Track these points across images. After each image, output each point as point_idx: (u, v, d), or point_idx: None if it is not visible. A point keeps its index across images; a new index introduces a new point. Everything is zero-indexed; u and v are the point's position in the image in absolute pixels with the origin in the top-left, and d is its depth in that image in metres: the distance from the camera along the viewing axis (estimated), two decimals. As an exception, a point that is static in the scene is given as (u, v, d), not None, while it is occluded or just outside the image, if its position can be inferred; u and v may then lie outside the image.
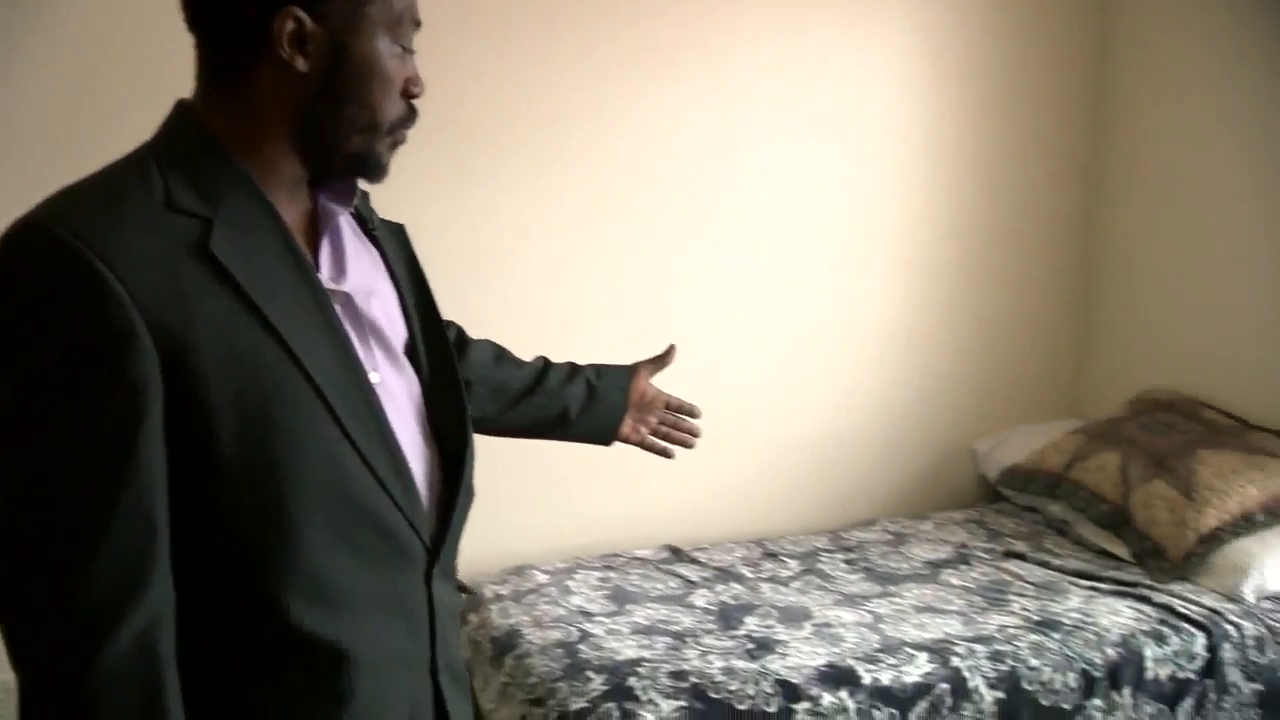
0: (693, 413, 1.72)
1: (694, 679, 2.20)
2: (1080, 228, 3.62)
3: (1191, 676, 2.45)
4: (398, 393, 1.18)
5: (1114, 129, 3.52)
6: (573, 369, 1.63)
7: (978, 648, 2.36)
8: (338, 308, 1.12)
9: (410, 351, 1.24)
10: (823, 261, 3.32)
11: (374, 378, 1.13)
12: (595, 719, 2.10)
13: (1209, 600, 2.61)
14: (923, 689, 2.24)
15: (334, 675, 1.07)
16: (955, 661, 2.31)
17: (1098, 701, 2.36)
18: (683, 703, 2.14)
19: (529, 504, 3.06)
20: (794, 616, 2.57)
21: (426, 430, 1.22)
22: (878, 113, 3.32)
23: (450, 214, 2.87)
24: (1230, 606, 2.59)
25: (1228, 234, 3.17)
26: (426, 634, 1.18)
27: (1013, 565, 2.88)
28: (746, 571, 2.87)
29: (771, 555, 2.99)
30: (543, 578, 2.81)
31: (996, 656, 2.34)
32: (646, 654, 2.33)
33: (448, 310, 1.35)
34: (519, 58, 2.91)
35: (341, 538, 1.07)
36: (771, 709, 2.15)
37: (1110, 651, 2.40)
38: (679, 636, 2.44)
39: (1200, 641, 2.48)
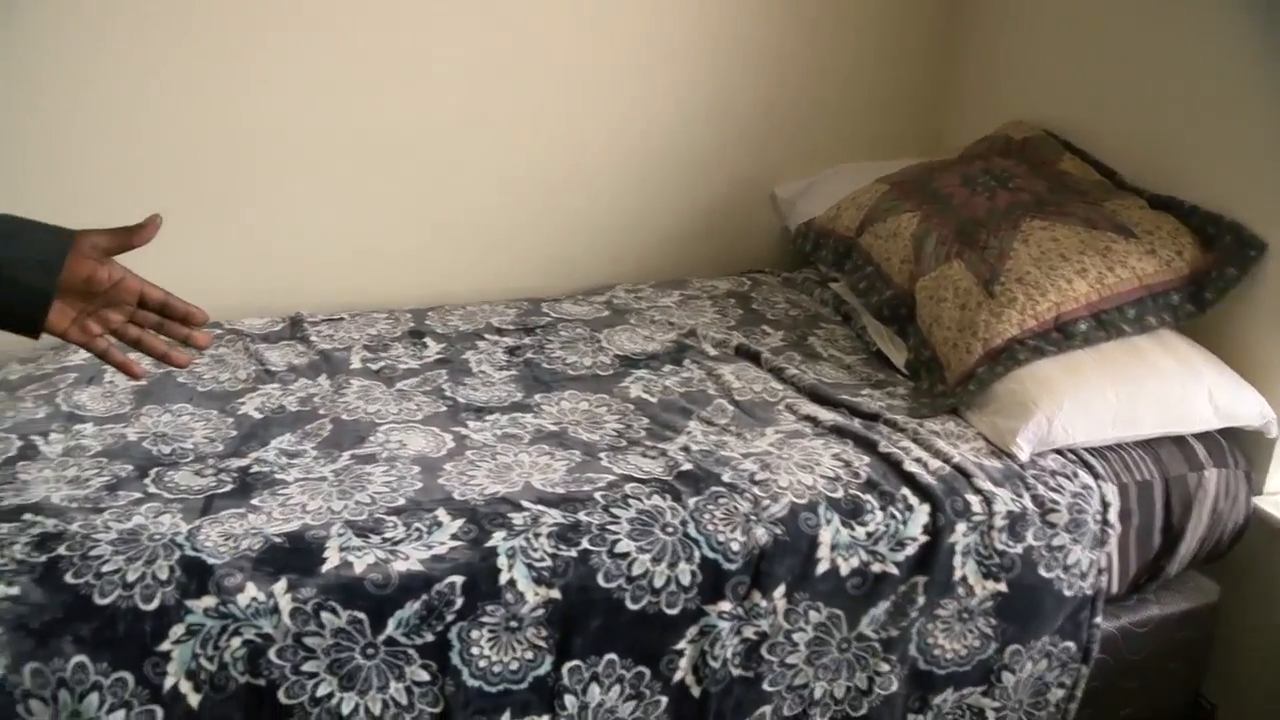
0: (190, 318, 1.21)
1: (62, 549, 1.43)
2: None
3: (893, 570, 1.61)
4: None
5: None
6: None
7: (549, 515, 1.54)
8: None
9: None
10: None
11: None
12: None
13: (966, 452, 1.73)
14: (416, 583, 1.44)
15: None
16: (496, 538, 1.50)
17: (725, 606, 1.55)
18: (14, 590, 1.38)
19: (137, 255, 2.26)
20: (340, 439, 1.77)
21: None
22: None
23: None
24: (991, 465, 1.71)
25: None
26: None
27: (733, 371, 2.01)
28: (358, 358, 2.06)
29: (418, 334, 2.16)
30: (84, 357, 2.03)
31: (571, 533, 1.52)
32: (57, 496, 1.57)
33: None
34: None
35: None
36: (149, 605, 1.38)
37: (764, 532, 1.57)
38: (147, 467, 1.67)
39: (920, 519, 1.63)
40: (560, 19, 2.34)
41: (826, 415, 1.83)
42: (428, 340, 2.13)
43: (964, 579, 1.64)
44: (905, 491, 1.64)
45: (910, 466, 1.67)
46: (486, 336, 2.15)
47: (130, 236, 1.16)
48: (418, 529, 1.51)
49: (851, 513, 1.61)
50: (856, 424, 1.80)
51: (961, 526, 1.63)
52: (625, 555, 1.52)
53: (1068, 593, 1.69)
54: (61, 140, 2.10)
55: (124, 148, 2.14)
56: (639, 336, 2.15)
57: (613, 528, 1.54)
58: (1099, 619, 1.72)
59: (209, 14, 2.12)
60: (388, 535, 1.49)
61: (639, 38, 2.40)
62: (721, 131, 2.52)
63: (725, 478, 1.64)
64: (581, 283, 2.45)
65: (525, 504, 1.56)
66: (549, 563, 1.49)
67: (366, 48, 2.23)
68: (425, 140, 2.33)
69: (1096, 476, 1.71)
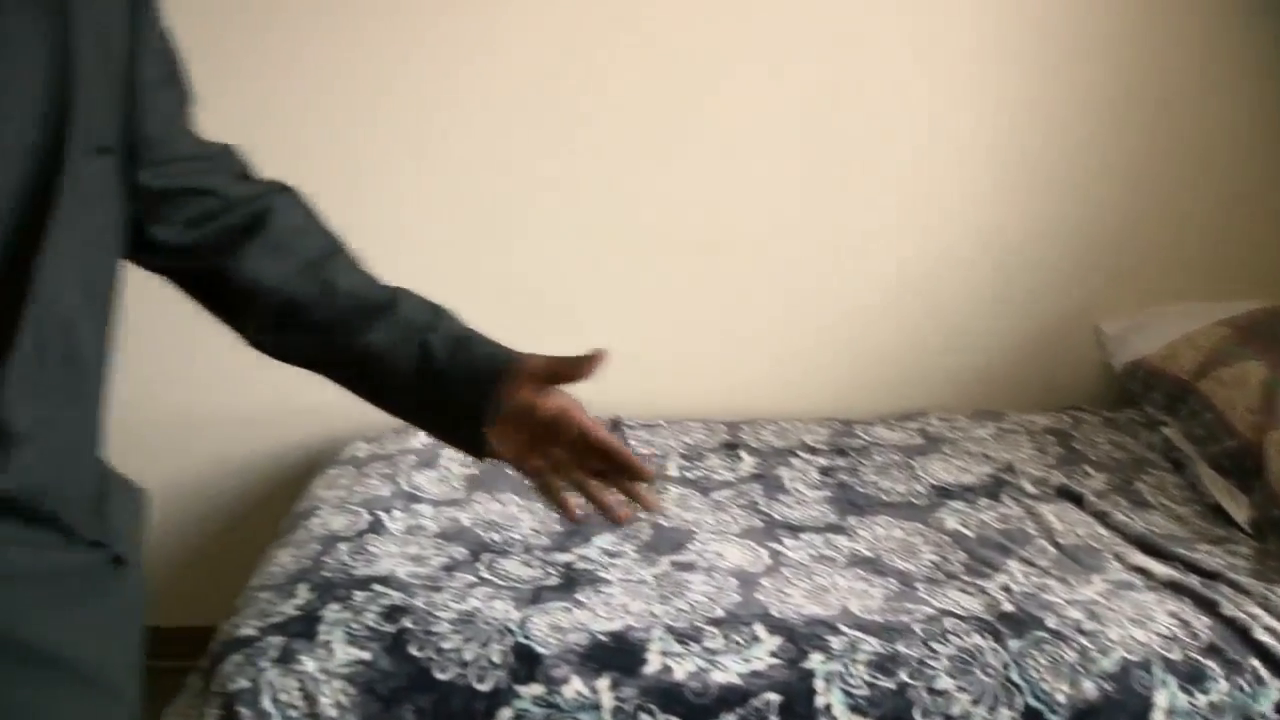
0: (639, 473, 1.08)
1: (407, 621, 1.54)
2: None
3: (1237, 747, 1.49)
4: None
5: None
6: (426, 328, 1.06)
7: (868, 643, 1.52)
8: None
9: None
10: (897, 55, 2.35)
11: None
12: (251, 652, 1.51)
13: (1323, 625, 1.60)
14: (734, 696, 1.46)
15: None
16: (813, 660, 1.50)
17: (1046, 760, 1.48)
18: (366, 655, 1.50)
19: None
20: (660, 545, 1.82)
21: None
22: None
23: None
24: (1356, 643, 1.57)
25: None
26: None
27: (1054, 511, 1.94)
28: (674, 465, 2.12)
29: (732, 446, 2.21)
30: (422, 441, 2.20)
31: (889, 664, 1.50)
32: (403, 571, 1.70)
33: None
34: None
35: None
36: (483, 686, 1.46)
37: (1092, 685, 1.49)
38: (479, 552, 1.78)
39: (1273, 694, 1.50)
40: (881, 141, 2.38)
41: (1159, 568, 1.73)
42: (742, 453, 2.17)
43: (1319, 768, 1.49)
44: (1254, 662, 1.52)
45: (1260, 635, 1.55)
46: (800, 454, 2.17)
47: (571, 369, 1.05)
48: (736, 642, 1.53)
49: (1191, 677, 1.50)
50: (1194, 581, 1.69)
51: (1319, 708, 1.49)
52: (944, 693, 1.48)
53: None
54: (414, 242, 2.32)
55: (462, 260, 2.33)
56: (954, 467, 2.11)
57: (932, 663, 1.50)
58: None
59: (564, 129, 2.30)
60: (707, 644, 1.52)
61: (960, 159, 2.41)
62: (1045, 259, 2.47)
63: (1050, 623, 1.58)
64: (892, 405, 2.44)
65: (843, 628, 1.55)
66: (866, 691, 1.47)
67: (697, 164, 2.35)
68: (744, 256, 2.41)
69: None
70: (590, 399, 2.41)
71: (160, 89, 0.94)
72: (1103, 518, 1.91)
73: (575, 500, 1.11)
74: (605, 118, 2.32)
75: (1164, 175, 2.45)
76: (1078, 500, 1.97)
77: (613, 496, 1.09)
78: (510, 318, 2.31)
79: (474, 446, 1.08)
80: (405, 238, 2.32)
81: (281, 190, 1.07)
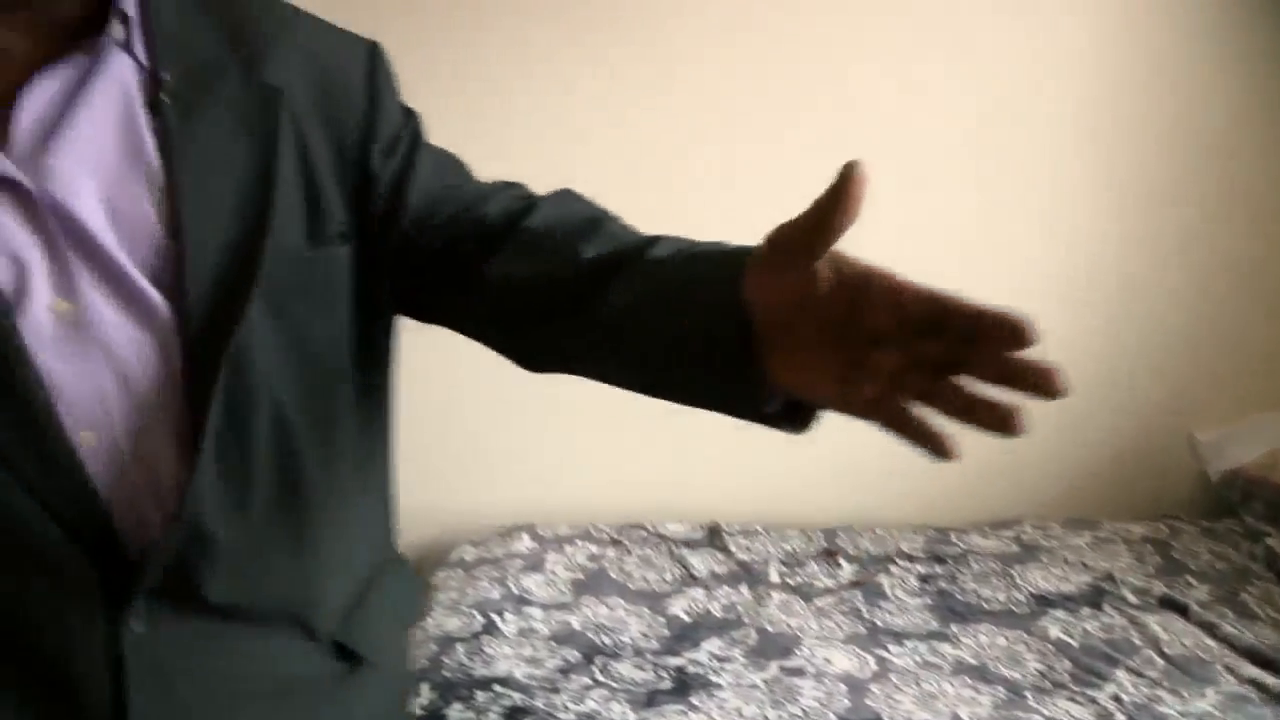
0: (1014, 332, 0.59)
1: (528, 723, 1.60)
2: None
3: None
4: (109, 334, 0.75)
5: None
6: (668, 262, 0.77)
7: (982, 751, 1.55)
8: None
9: (177, 276, 0.77)
10: (987, 164, 2.43)
11: (59, 306, 0.74)
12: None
13: None
14: (850, 803, 1.49)
15: None
16: (928, 768, 1.52)
17: None
18: (491, 755, 1.55)
19: (573, 454, 2.51)
20: (767, 650, 1.85)
21: (168, 392, 0.77)
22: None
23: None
24: None
25: None
26: (104, 710, 0.77)
27: (1159, 621, 1.94)
28: (775, 572, 2.16)
29: (830, 554, 2.24)
30: (527, 545, 2.26)
31: (1005, 771, 1.52)
32: (520, 672, 1.75)
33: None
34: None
35: None
36: (603, 790, 1.50)
37: (1211, 798, 1.49)
38: (591, 654, 1.83)
39: (1396, 809, 1.49)
40: (974, 247, 2.43)
41: (1274, 681, 1.73)
42: (842, 561, 2.20)
43: None
44: (1376, 777, 1.52)
45: (1380, 749, 1.55)
46: (898, 561, 2.20)
47: (831, 208, 0.63)
48: (851, 748, 1.55)
49: (1312, 792, 1.50)
50: (1308, 694, 1.69)
51: None
52: (1061, 804, 1.49)
53: None
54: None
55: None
56: (1053, 576, 2.12)
57: (1047, 773, 1.52)
58: None
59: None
60: (823, 750, 1.55)
61: (1054, 266, 2.45)
62: (1137, 367, 2.50)
63: (1164, 735, 1.59)
64: (985, 513, 2.46)
65: (955, 736, 1.57)
66: (983, 801, 1.49)
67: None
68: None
69: None
70: (688, 506, 2.48)
71: (395, 164, 0.88)
72: (1210, 629, 1.91)
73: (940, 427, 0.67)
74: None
75: (1260, 281, 2.48)
76: (1183, 611, 1.98)
77: (988, 395, 0.63)
78: (607, 426, 2.41)
79: (758, 400, 0.73)
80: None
81: (553, 194, 0.89)
